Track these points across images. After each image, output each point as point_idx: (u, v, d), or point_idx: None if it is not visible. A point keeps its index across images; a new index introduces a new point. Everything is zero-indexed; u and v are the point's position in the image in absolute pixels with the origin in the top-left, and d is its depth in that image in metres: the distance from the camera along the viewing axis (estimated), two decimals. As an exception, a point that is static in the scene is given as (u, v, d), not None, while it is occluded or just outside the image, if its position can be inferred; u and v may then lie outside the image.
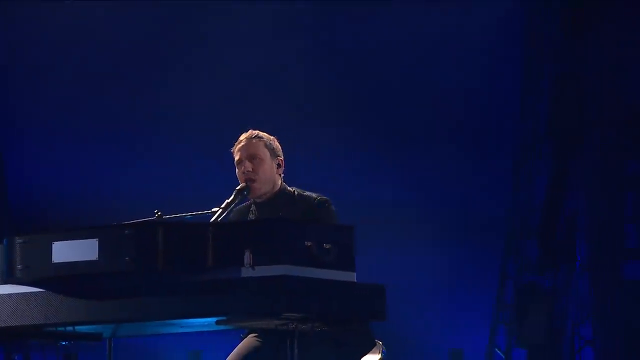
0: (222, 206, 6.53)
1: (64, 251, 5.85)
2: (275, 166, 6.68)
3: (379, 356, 6.59)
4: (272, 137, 6.73)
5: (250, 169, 6.62)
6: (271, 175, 6.67)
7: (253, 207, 6.77)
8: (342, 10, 11.71)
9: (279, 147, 6.73)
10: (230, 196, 6.63)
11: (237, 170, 6.69)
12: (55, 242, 5.85)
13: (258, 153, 6.64)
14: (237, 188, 6.66)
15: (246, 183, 6.64)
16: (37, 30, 11.59)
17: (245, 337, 6.66)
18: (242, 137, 6.69)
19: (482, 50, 11.56)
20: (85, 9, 11.64)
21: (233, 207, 6.60)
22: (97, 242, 5.80)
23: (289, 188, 6.75)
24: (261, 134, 6.70)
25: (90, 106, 11.66)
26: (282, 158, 6.72)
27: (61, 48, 11.61)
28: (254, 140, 6.66)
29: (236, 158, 6.69)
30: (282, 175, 6.74)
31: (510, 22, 11.62)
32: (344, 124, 11.67)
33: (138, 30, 11.63)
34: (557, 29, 11.61)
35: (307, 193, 6.72)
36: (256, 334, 6.60)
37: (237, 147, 6.68)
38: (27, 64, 11.64)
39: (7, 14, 11.55)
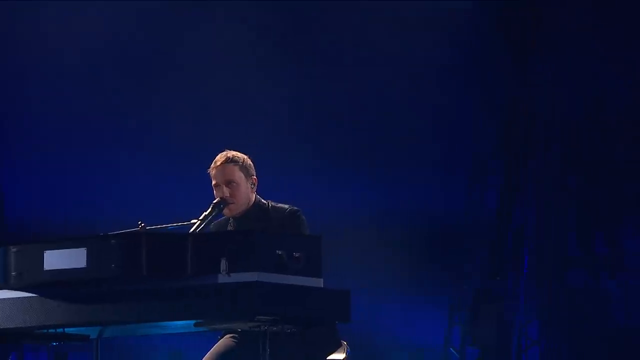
0: (201, 218, 6.54)
1: (54, 259, 5.84)
2: (250, 186, 6.69)
3: (344, 355, 6.60)
4: (245, 157, 6.71)
5: (228, 194, 6.63)
6: (247, 196, 6.68)
7: (231, 220, 6.77)
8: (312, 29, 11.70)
9: (252, 165, 6.72)
10: (207, 209, 6.65)
11: (214, 191, 6.70)
12: (46, 251, 5.85)
13: (234, 178, 6.64)
14: (214, 202, 6.67)
15: (223, 199, 6.66)
16: (24, 41, 11.48)
17: (222, 337, 6.66)
18: (218, 159, 6.67)
19: (441, 74, 11.57)
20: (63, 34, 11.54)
21: (210, 219, 6.61)
22: (85, 250, 5.80)
23: (262, 201, 6.75)
24: (235, 156, 6.67)
25: (78, 123, 11.58)
26: (255, 176, 6.73)
27: (50, 61, 11.51)
28: (229, 166, 6.64)
29: (213, 182, 6.68)
30: (255, 190, 6.75)
31: (465, 49, 11.63)
32: (315, 141, 11.66)
33: (124, 46, 11.56)
34: (507, 56, 11.64)
35: (280, 205, 6.73)
36: (232, 335, 6.60)
37: (214, 171, 6.67)
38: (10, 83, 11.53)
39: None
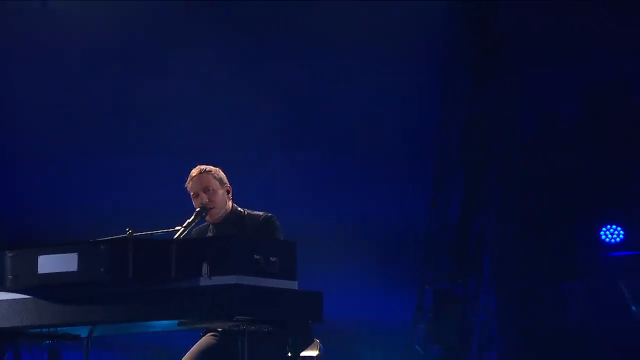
0: (184, 225, 6.56)
1: (48, 263, 5.83)
2: (225, 192, 6.74)
3: (317, 352, 6.60)
4: (216, 168, 6.78)
5: (207, 200, 6.66)
6: (224, 201, 6.72)
7: (211, 227, 6.79)
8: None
9: (224, 175, 6.79)
10: (190, 217, 6.66)
11: (193, 202, 6.72)
12: (40, 256, 5.84)
13: (210, 185, 6.69)
14: (197, 210, 6.69)
15: (204, 206, 6.68)
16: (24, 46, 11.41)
17: (203, 336, 6.66)
18: (193, 173, 6.74)
19: (406, 93, 11.60)
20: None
21: (193, 226, 6.63)
22: (76, 255, 5.79)
23: (239, 208, 6.78)
24: (208, 167, 6.75)
25: (70, 132, 11.54)
26: (228, 185, 6.77)
27: (48, 67, 11.46)
28: (204, 175, 6.70)
29: (192, 192, 6.73)
30: (231, 197, 6.78)
31: (429, 68, 11.66)
32: (295, 156, 11.67)
33: (115, 57, 11.53)
34: (468, 75, 11.68)
35: (255, 212, 6.75)
36: (212, 334, 6.60)
37: (190, 183, 6.72)
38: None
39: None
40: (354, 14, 11.51)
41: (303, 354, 6.56)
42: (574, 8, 11.31)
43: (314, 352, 6.58)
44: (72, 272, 5.78)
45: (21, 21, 11.35)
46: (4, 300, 5.93)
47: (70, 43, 11.39)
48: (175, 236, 6.47)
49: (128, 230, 6.21)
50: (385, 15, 11.46)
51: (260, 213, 6.72)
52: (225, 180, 6.76)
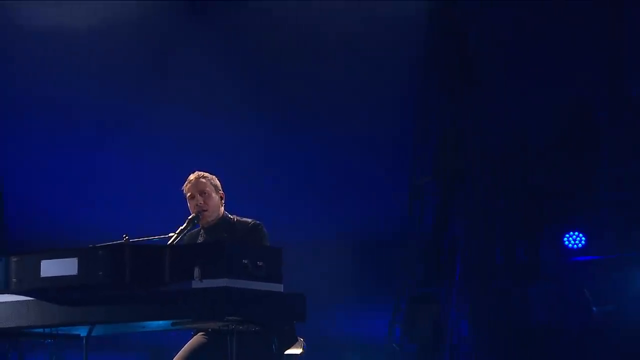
0: (177, 232, 6.55)
1: (50, 267, 5.81)
2: (218, 198, 6.74)
3: (301, 350, 6.60)
4: (213, 176, 6.80)
5: (202, 202, 6.67)
6: (217, 206, 6.72)
7: (202, 232, 6.78)
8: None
9: (219, 183, 6.79)
10: (183, 223, 6.65)
11: (189, 204, 6.72)
12: (43, 260, 5.83)
13: (206, 189, 6.70)
14: (189, 217, 6.68)
15: (197, 213, 6.68)
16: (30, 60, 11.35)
17: (195, 335, 6.64)
18: (191, 177, 6.75)
19: (383, 109, 11.62)
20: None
21: (186, 233, 6.62)
22: (77, 260, 5.78)
23: (229, 215, 6.77)
24: (205, 174, 6.77)
25: (74, 146, 11.53)
26: (222, 192, 6.78)
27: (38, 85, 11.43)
28: (201, 179, 6.73)
29: (188, 194, 6.72)
30: (223, 204, 6.78)
31: (406, 85, 11.68)
32: (283, 170, 11.68)
33: (115, 69, 11.51)
34: (442, 93, 11.69)
35: (244, 219, 6.75)
36: (203, 333, 6.58)
37: (188, 186, 6.73)
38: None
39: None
40: (337, 31, 11.53)
41: (288, 352, 6.55)
42: (542, 28, 11.35)
43: (298, 350, 6.58)
44: (73, 275, 5.76)
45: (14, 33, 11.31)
46: (8, 302, 5.92)
47: (71, 55, 11.37)
48: (169, 242, 6.46)
49: (125, 237, 6.20)
50: (365, 33, 11.48)
51: (249, 220, 6.72)
52: (220, 187, 6.78)
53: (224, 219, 6.72)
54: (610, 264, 11.14)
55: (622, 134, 11.10)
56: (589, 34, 11.28)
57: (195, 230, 6.77)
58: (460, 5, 11.49)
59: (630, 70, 11.14)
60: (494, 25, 11.51)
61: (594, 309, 10.92)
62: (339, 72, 11.59)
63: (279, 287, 5.84)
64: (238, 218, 6.74)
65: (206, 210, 6.66)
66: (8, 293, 5.90)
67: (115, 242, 6.12)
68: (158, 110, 11.52)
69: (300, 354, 6.58)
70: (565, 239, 11.15)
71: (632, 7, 11.08)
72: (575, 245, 11.14)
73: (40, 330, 6.02)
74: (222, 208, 6.75)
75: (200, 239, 6.73)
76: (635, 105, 11.18)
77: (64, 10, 11.25)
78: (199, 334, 6.60)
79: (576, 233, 11.12)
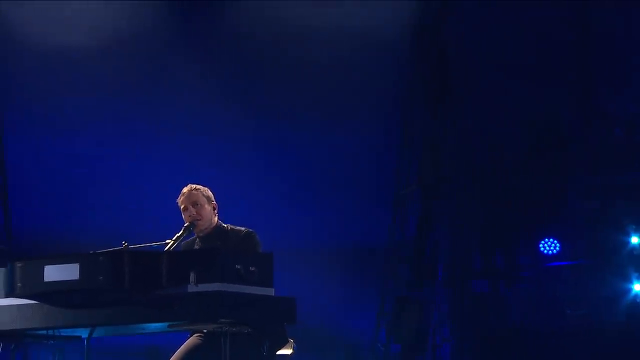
0: (173, 239, 6.55)
1: (53, 272, 5.80)
2: (211, 209, 6.74)
3: (291, 351, 6.59)
4: (205, 188, 6.80)
5: (195, 213, 6.67)
6: (210, 215, 6.72)
7: (197, 240, 6.78)
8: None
9: (212, 194, 6.80)
10: (179, 231, 6.65)
11: (183, 215, 6.73)
12: (46, 266, 5.81)
13: (198, 200, 6.70)
14: (185, 225, 6.68)
15: (192, 222, 6.68)
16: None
17: (191, 336, 6.63)
18: (185, 190, 6.76)
19: (369, 125, 11.64)
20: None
21: (182, 240, 6.62)
22: (78, 265, 5.76)
23: (223, 224, 6.77)
24: (198, 186, 6.77)
25: (71, 158, 11.51)
26: (215, 203, 6.78)
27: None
28: (193, 192, 6.73)
29: (182, 206, 6.73)
30: (217, 214, 6.78)
31: (390, 100, 11.70)
32: (275, 180, 11.68)
33: (116, 85, 11.49)
34: (424, 107, 11.71)
35: (238, 227, 6.74)
36: (199, 334, 6.57)
37: (182, 198, 6.74)
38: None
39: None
40: (326, 48, 11.54)
41: (279, 352, 6.54)
42: (517, 47, 11.40)
43: (288, 351, 6.57)
44: (75, 280, 5.75)
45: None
46: (13, 305, 5.90)
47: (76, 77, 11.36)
48: (166, 248, 6.45)
49: (124, 244, 6.19)
50: (353, 51, 11.50)
51: (242, 229, 6.72)
52: (212, 198, 6.78)
53: (218, 227, 6.73)
54: (582, 268, 11.16)
55: (592, 146, 11.14)
56: (560, 52, 11.34)
57: (192, 238, 6.78)
58: (442, 26, 11.52)
59: (598, 85, 11.18)
60: (473, 44, 11.55)
61: (568, 311, 10.93)
62: (328, 87, 11.60)
63: (270, 291, 5.84)
64: (232, 227, 6.74)
65: (199, 220, 6.66)
66: (13, 297, 5.89)
67: (114, 249, 6.11)
68: (157, 120, 11.51)
69: (291, 354, 6.57)
70: (541, 245, 11.16)
71: (599, 24, 11.13)
72: (549, 251, 11.15)
73: (44, 332, 6.00)
74: (216, 217, 6.75)
75: (196, 247, 6.73)
76: (604, 118, 11.23)
77: (60, 30, 11.24)
78: (194, 335, 6.58)
79: (551, 239, 11.14)
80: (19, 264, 5.88)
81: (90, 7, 11.25)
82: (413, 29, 11.60)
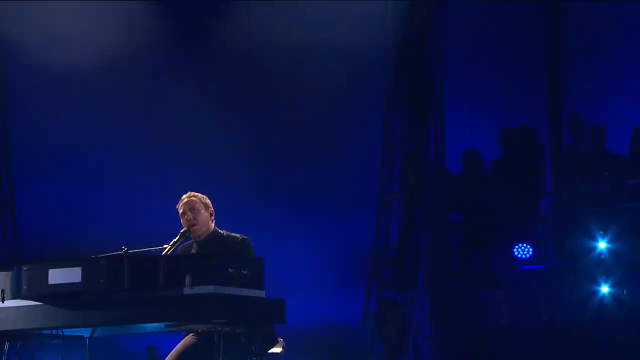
0: (170, 244, 6.53)
1: (57, 275, 5.80)
2: (208, 215, 6.72)
3: (281, 349, 6.58)
4: (204, 195, 6.79)
5: (192, 218, 6.66)
6: (206, 222, 6.70)
7: (194, 245, 6.76)
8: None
9: (209, 202, 6.78)
10: (176, 236, 6.64)
11: (181, 220, 6.71)
12: (50, 269, 5.81)
13: (196, 207, 6.68)
14: (181, 231, 6.66)
15: (188, 227, 6.68)
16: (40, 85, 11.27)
17: (186, 335, 6.62)
18: (184, 196, 6.74)
19: (355, 134, 11.67)
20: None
21: (178, 245, 6.61)
22: (80, 269, 5.76)
23: (219, 230, 6.75)
24: (196, 193, 6.76)
25: (75, 170, 11.49)
26: (212, 210, 6.77)
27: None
28: (192, 198, 6.71)
29: (180, 211, 6.71)
30: (213, 221, 6.77)
31: (374, 114, 11.73)
32: (267, 190, 11.69)
33: (118, 100, 11.49)
34: (405, 121, 11.73)
35: (233, 234, 6.73)
36: (194, 334, 6.56)
37: (180, 204, 6.72)
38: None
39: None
40: (308, 66, 11.57)
41: (269, 351, 6.53)
42: (490, 62, 11.45)
43: (278, 349, 6.56)
44: (77, 282, 5.75)
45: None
46: (20, 306, 5.89)
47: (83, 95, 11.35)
48: (163, 253, 6.44)
49: (123, 248, 6.18)
50: (337, 70, 11.53)
51: (238, 235, 6.70)
52: (210, 206, 6.76)
53: (214, 233, 6.71)
54: (553, 271, 11.19)
55: (563, 156, 11.18)
56: (533, 66, 11.38)
57: (189, 242, 6.76)
58: (422, 43, 11.55)
59: (569, 99, 11.24)
60: (451, 59, 11.59)
61: (542, 311, 10.94)
62: (318, 105, 11.64)
63: (261, 293, 5.83)
64: (228, 233, 6.73)
65: (195, 225, 6.65)
66: (19, 298, 5.88)
67: (115, 253, 6.10)
68: (156, 133, 11.51)
69: (280, 353, 6.56)
70: (515, 249, 11.18)
71: (568, 42, 11.18)
72: (523, 255, 11.17)
73: (48, 331, 5.98)
74: (213, 224, 6.73)
75: (192, 251, 6.72)
76: (574, 130, 11.26)
77: (63, 52, 11.24)
78: (190, 334, 6.57)
79: (524, 244, 11.16)
80: (25, 268, 5.87)
81: (90, 28, 11.25)
82: (395, 46, 11.62)
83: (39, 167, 11.47)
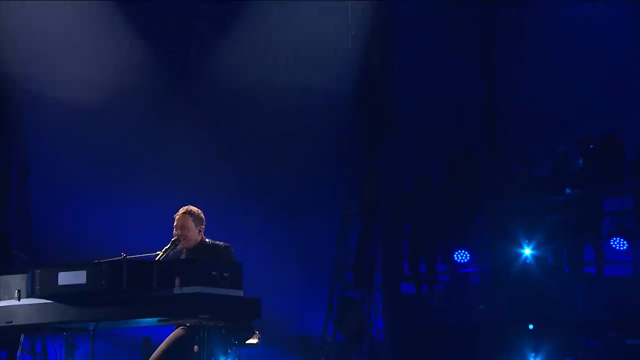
0: (162, 251, 6.52)
1: (65, 278, 5.81)
2: (197, 231, 6.61)
3: (257, 340, 6.60)
4: (199, 211, 6.63)
5: (180, 233, 6.60)
6: (194, 236, 6.59)
7: (184, 251, 6.75)
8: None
9: (203, 218, 6.63)
10: (167, 244, 6.63)
11: (174, 229, 6.69)
12: (60, 272, 5.83)
13: (186, 225, 6.57)
14: (172, 239, 6.64)
15: (178, 237, 6.66)
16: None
17: (176, 328, 6.62)
18: (181, 210, 6.59)
19: (317, 158, 11.70)
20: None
21: (169, 251, 6.59)
22: (85, 272, 5.78)
23: (206, 239, 6.72)
24: (192, 209, 6.60)
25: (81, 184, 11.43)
26: (203, 225, 6.65)
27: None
28: (186, 216, 6.58)
29: (174, 224, 6.66)
30: (202, 233, 6.71)
31: (333, 137, 11.77)
32: (247, 205, 11.68)
33: (120, 124, 11.45)
34: (363, 143, 11.77)
35: (217, 242, 6.71)
36: (183, 327, 6.56)
37: (176, 216, 6.62)
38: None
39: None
40: (281, 103, 11.60)
41: (247, 342, 6.55)
42: (439, 99, 11.52)
43: (254, 341, 6.58)
44: (82, 284, 5.77)
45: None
46: (33, 303, 5.90)
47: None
48: (157, 258, 6.44)
49: (123, 254, 6.19)
50: (304, 104, 11.57)
51: (221, 243, 6.67)
52: (203, 221, 6.60)
53: (201, 242, 6.67)
54: (487, 274, 11.26)
55: (497, 176, 11.25)
56: (472, 102, 11.47)
57: (179, 249, 6.75)
58: (378, 83, 11.61)
59: (501, 129, 11.32)
60: (404, 94, 11.66)
61: (481, 307, 10.99)
62: (286, 136, 11.64)
63: (240, 293, 5.86)
64: (212, 242, 6.68)
65: (183, 239, 6.61)
66: (33, 297, 5.89)
67: (115, 258, 6.11)
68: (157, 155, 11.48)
69: (256, 343, 6.58)
70: (455, 255, 11.24)
71: (503, 78, 11.27)
72: (462, 260, 11.23)
73: (58, 325, 5.99)
74: (200, 236, 6.66)
75: (182, 257, 6.72)
76: (507, 155, 11.35)
77: (67, 89, 11.21)
78: (179, 327, 6.57)
79: (463, 251, 11.21)
80: (37, 271, 5.89)
81: (91, 63, 11.21)
82: (355, 84, 11.68)
83: (53, 184, 11.41)
